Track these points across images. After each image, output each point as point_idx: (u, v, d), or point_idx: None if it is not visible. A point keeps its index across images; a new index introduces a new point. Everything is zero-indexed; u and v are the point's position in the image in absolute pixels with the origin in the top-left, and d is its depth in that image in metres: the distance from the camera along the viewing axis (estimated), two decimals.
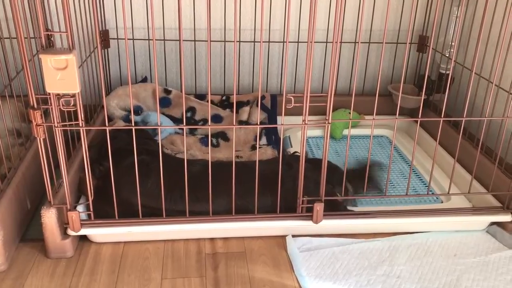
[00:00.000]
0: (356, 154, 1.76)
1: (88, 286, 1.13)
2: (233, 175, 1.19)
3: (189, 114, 1.80)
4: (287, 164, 1.32)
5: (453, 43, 1.72)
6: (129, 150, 1.16)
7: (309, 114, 1.15)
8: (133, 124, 1.15)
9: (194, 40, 1.87)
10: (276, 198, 1.23)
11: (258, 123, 1.26)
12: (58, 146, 1.10)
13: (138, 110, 1.77)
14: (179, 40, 1.06)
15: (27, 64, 1.03)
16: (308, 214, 1.25)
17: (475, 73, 1.25)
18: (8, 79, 1.30)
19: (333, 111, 1.17)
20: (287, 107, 1.11)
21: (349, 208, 1.38)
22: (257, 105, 1.77)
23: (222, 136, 1.74)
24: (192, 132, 1.78)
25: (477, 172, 1.36)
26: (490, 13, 1.46)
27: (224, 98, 1.89)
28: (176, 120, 1.79)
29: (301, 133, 1.19)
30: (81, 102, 1.06)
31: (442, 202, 1.46)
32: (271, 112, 1.82)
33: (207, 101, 1.82)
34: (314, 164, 1.31)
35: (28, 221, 1.31)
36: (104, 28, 1.80)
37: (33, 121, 1.06)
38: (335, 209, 1.30)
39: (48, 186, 1.15)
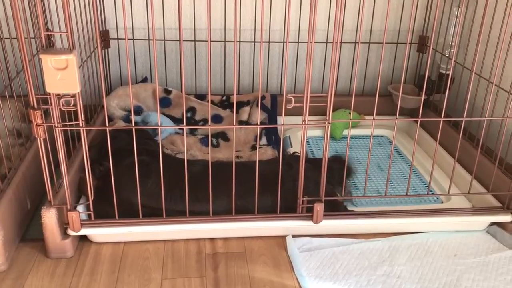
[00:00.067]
0: (356, 154, 1.76)
1: (88, 286, 1.13)
2: (233, 175, 1.19)
3: (189, 114, 1.80)
4: (287, 164, 1.32)
5: (453, 43, 1.72)
6: (129, 150, 1.16)
7: (309, 114, 1.15)
8: (133, 124, 1.15)
9: (194, 40, 1.87)
10: (276, 198, 1.23)
11: (258, 123, 1.26)
12: (58, 146, 1.10)
13: (138, 110, 1.77)
14: (179, 40, 1.06)
15: (27, 64, 1.03)
16: (308, 214, 1.25)
17: (475, 73, 1.25)
18: (8, 79, 1.30)
19: (333, 111, 1.17)
20: (287, 107, 1.11)
21: (349, 207, 1.38)
22: (257, 105, 1.77)
23: (222, 136, 1.74)
24: (192, 132, 1.78)
25: (477, 172, 1.36)
26: (490, 13, 1.46)
27: (224, 98, 1.89)
28: (176, 120, 1.79)
29: (301, 133, 1.19)
30: (81, 102, 1.06)
31: (442, 202, 1.46)
32: (271, 112, 1.82)
33: (207, 101, 1.82)
34: (314, 164, 1.31)
35: (28, 221, 1.31)
36: (104, 28, 1.80)
37: (33, 121, 1.06)
38: (335, 209, 1.30)
39: (48, 186, 1.15)
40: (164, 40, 1.86)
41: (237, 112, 1.79)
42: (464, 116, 1.28)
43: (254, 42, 1.91)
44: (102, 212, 1.21)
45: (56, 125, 1.08)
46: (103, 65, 1.83)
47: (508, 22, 1.28)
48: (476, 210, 1.35)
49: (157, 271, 1.18)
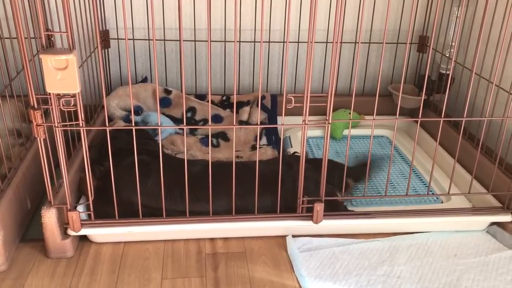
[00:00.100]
0: (357, 154, 1.76)
1: (88, 286, 1.13)
2: (233, 175, 1.19)
3: (189, 114, 1.80)
4: (287, 164, 1.32)
5: (453, 43, 1.72)
6: (129, 150, 1.16)
7: (309, 114, 1.15)
8: (133, 124, 1.15)
9: (195, 40, 1.87)
10: (276, 198, 1.23)
11: (259, 123, 1.26)
12: (58, 146, 1.10)
13: (138, 110, 1.77)
14: (180, 40, 1.06)
15: (27, 64, 1.03)
16: (308, 214, 1.25)
17: (475, 73, 1.25)
18: (8, 79, 1.30)
19: (333, 111, 1.17)
20: (287, 107, 1.11)
21: (349, 207, 1.38)
22: (257, 105, 1.77)
23: (222, 136, 1.74)
24: (192, 132, 1.78)
25: (477, 172, 1.36)
26: (490, 13, 1.46)
27: (224, 98, 1.89)
28: (176, 120, 1.79)
29: (301, 133, 1.19)
30: (81, 102, 1.06)
31: (442, 202, 1.46)
32: (271, 112, 1.82)
33: (207, 101, 1.82)
34: (314, 164, 1.31)
35: (28, 221, 1.31)
36: (104, 28, 1.80)
37: (34, 121, 1.06)
38: (335, 209, 1.30)
39: (48, 186, 1.15)
40: (164, 40, 1.86)
41: (237, 112, 1.79)
42: (464, 116, 1.28)
43: (254, 42, 1.91)
44: (102, 212, 1.21)
45: (56, 125, 1.08)
46: (103, 65, 1.83)
47: (508, 22, 1.28)
48: (476, 210, 1.35)
49: (157, 271, 1.18)
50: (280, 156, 1.26)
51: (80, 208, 1.22)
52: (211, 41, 1.85)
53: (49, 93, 1.04)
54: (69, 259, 1.21)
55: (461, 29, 1.69)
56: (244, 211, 1.26)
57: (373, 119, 1.21)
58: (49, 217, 1.15)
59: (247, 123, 1.77)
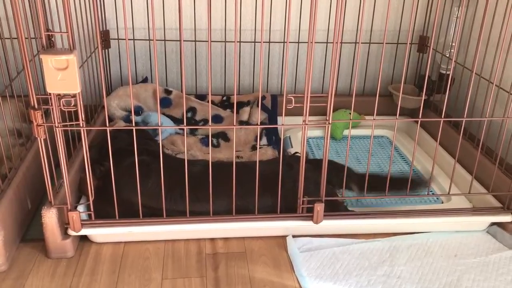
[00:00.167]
0: (357, 154, 1.76)
1: (89, 286, 1.13)
2: (233, 175, 1.19)
3: (189, 115, 1.81)
4: (288, 164, 1.32)
5: (453, 44, 1.72)
6: (130, 150, 1.16)
7: (309, 115, 1.15)
8: (133, 125, 1.15)
9: (195, 41, 1.87)
10: (277, 198, 1.23)
11: (259, 124, 1.26)
12: (58, 146, 1.10)
13: (138, 111, 1.77)
14: (180, 41, 1.06)
15: (27, 64, 1.03)
16: (308, 214, 1.25)
17: (475, 73, 1.25)
18: (9, 79, 1.30)
19: (333, 111, 1.17)
20: (287, 107, 1.11)
21: (349, 208, 1.38)
22: (258, 106, 1.77)
23: (223, 136, 1.74)
24: (192, 132, 1.78)
25: (478, 172, 1.36)
26: (491, 13, 1.46)
27: (224, 98, 1.89)
28: (177, 121, 1.79)
29: (301, 134, 1.19)
30: (81, 102, 1.06)
31: (442, 203, 1.46)
32: (272, 113, 1.82)
33: (208, 101, 1.82)
34: (314, 164, 1.31)
35: (28, 221, 1.31)
36: (104, 29, 1.80)
37: (34, 121, 1.06)
38: (335, 209, 1.30)
39: (48, 186, 1.15)
40: (165, 40, 1.86)
41: (237, 112, 1.79)
42: (465, 116, 1.28)
43: (255, 42, 1.91)
44: (103, 212, 1.21)
45: (57, 125, 1.08)
46: (104, 65, 1.83)
47: (509, 22, 1.28)
48: (476, 210, 1.35)
49: (157, 271, 1.18)
50: (280, 156, 1.26)
51: (81, 208, 1.22)
52: (211, 41, 1.85)
53: (50, 93, 1.04)
54: (69, 259, 1.21)
55: (461, 29, 1.69)
56: (245, 211, 1.26)
57: (373, 119, 1.21)
58: (50, 217, 1.15)
59: (247, 123, 1.77)
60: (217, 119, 1.81)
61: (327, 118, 1.17)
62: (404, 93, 1.80)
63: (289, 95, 1.12)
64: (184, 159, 1.17)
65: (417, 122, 1.33)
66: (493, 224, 1.36)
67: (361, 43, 1.93)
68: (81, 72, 1.23)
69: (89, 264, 1.20)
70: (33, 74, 1.09)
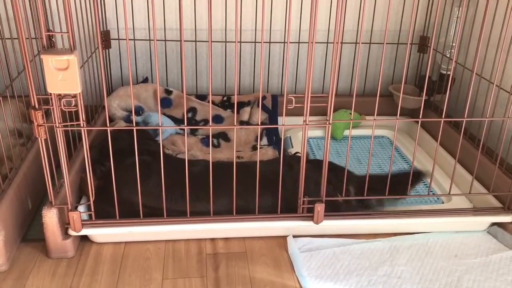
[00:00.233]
0: (357, 154, 1.76)
1: (89, 286, 1.13)
2: (234, 175, 1.19)
3: (190, 115, 1.81)
4: (288, 164, 1.32)
5: (454, 44, 1.72)
6: (130, 150, 1.16)
7: (310, 115, 1.15)
8: (134, 125, 1.15)
9: (195, 41, 1.87)
10: (277, 198, 1.23)
11: (259, 124, 1.26)
12: (59, 146, 1.10)
13: (139, 111, 1.77)
14: (180, 41, 1.06)
15: (28, 64, 1.03)
16: (309, 214, 1.25)
17: (476, 73, 1.25)
18: (9, 80, 1.30)
19: (334, 111, 1.17)
20: (288, 107, 1.11)
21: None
22: (258, 106, 1.77)
23: (223, 136, 1.74)
24: (193, 132, 1.78)
25: (478, 172, 1.36)
26: (491, 13, 1.46)
27: (225, 98, 1.89)
28: (177, 121, 1.79)
29: (302, 134, 1.19)
30: (82, 102, 1.06)
31: (443, 203, 1.46)
32: (272, 113, 1.82)
33: (208, 102, 1.82)
34: (315, 164, 1.31)
35: (29, 221, 1.32)
36: (105, 29, 1.80)
37: (35, 121, 1.06)
38: (336, 209, 1.30)
39: (49, 186, 1.15)
40: (165, 40, 1.86)
41: (237, 112, 1.80)
42: (465, 117, 1.28)
43: (255, 42, 1.91)
44: (103, 212, 1.22)
45: (57, 125, 1.08)
46: (104, 66, 1.83)
47: (509, 22, 1.28)
48: (477, 211, 1.35)
49: (158, 271, 1.18)
50: (280, 157, 1.26)
51: (81, 208, 1.22)
52: (211, 41, 1.85)
53: (50, 94, 1.04)
54: (70, 259, 1.21)
55: (461, 29, 1.69)
56: (245, 211, 1.26)
57: (374, 119, 1.21)
58: (50, 217, 1.16)
59: (247, 123, 1.77)
60: (217, 119, 1.81)
61: (328, 118, 1.17)
62: (405, 93, 1.80)
63: (290, 95, 1.12)
64: (185, 159, 1.17)
65: (417, 122, 1.33)
66: (493, 224, 1.36)
67: (362, 43, 1.93)
68: (81, 72, 1.24)
69: (90, 264, 1.20)
70: (34, 74, 1.09)
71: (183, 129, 1.72)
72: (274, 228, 1.30)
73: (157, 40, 1.86)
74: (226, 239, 1.30)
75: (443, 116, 1.28)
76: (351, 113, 1.53)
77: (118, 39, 1.84)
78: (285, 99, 1.12)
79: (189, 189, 1.19)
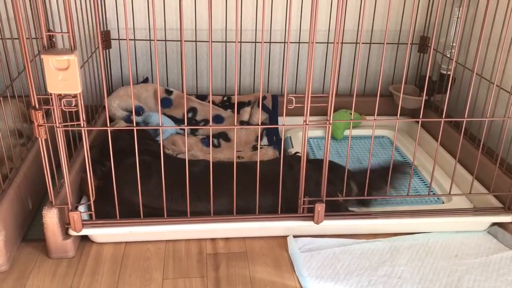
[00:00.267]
0: (358, 154, 1.76)
1: (90, 286, 1.13)
2: (234, 175, 1.19)
3: (190, 115, 1.81)
4: (288, 164, 1.32)
5: (454, 44, 1.72)
6: (131, 150, 1.16)
7: (310, 115, 1.15)
8: (134, 125, 1.15)
9: (196, 41, 1.87)
10: (277, 198, 1.23)
11: (259, 124, 1.26)
12: (59, 146, 1.11)
13: (139, 111, 1.77)
14: (181, 41, 1.06)
15: (28, 64, 1.03)
16: (309, 214, 1.25)
17: (476, 73, 1.25)
18: (10, 79, 1.30)
19: (334, 111, 1.17)
20: (288, 107, 1.11)
21: (350, 208, 1.38)
22: (258, 106, 1.77)
23: (223, 136, 1.74)
24: (193, 132, 1.78)
25: (478, 172, 1.36)
26: (491, 13, 1.46)
27: (225, 98, 1.89)
28: (178, 121, 1.79)
29: (302, 134, 1.19)
30: (82, 102, 1.06)
31: (443, 203, 1.46)
32: (272, 113, 1.82)
33: (208, 102, 1.82)
34: (315, 164, 1.31)
35: (29, 221, 1.32)
36: (105, 29, 1.80)
37: (35, 121, 1.06)
38: (336, 209, 1.30)
39: (49, 186, 1.15)
40: (165, 40, 1.86)
41: (238, 112, 1.80)
42: (465, 117, 1.27)
43: (255, 42, 1.91)
44: (104, 212, 1.22)
45: (58, 126, 1.08)
46: (104, 66, 1.83)
47: (509, 22, 1.28)
48: (477, 211, 1.35)
49: (158, 271, 1.18)
50: (281, 157, 1.26)
51: (82, 208, 1.23)
52: (212, 41, 1.85)
53: (51, 94, 1.04)
54: (70, 259, 1.21)
55: (462, 29, 1.69)
56: (245, 211, 1.26)
57: (374, 119, 1.21)
58: (51, 217, 1.16)
59: (248, 123, 1.77)
60: (218, 119, 1.81)
61: (328, 118, 1.17)
62: (405, 94, 1.80)
63: (290, 95, 1.12)
64: (185, 159, 1.17)
65: (418, 122, 1.33)
66: (494, 224, 1.36)
67: (362, 43, 1.93)
68: (82, 72, 1.23)
69: (90, 264, 1.20)
70: (34, 74, 1.10)
71: (184, 129, 1.72)
72: (275, 228, 1.30)
73: (157, 40, 1.85)
74: (227, 239, 1.30)
75: (443, 116, 1.28)
76: (351, 113, 1.53)
77: (119, 39, 1.84)
78: (285, 99, 1.12)
79: (189, 189, 1.19)
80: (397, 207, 1.41)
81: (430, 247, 1.29)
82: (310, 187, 1.25)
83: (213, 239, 1.30)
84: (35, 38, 1.32)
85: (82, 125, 1.10)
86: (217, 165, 1.24)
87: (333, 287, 1.14)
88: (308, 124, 1.16)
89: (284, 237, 1.30)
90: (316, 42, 1.87)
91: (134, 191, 1.19)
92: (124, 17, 1.06)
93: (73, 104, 1.05)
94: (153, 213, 1.23)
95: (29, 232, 1.29)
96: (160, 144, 1.28)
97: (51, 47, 1.03)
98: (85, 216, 1.22)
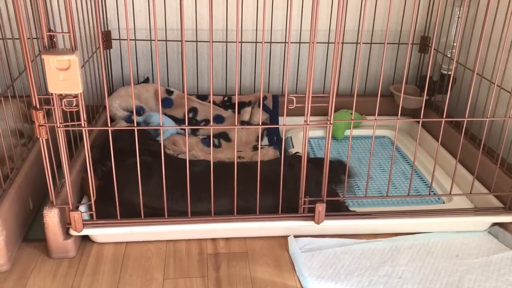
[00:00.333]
0: (358, 155, 1.76)
1: (90, 286, 1.13)
2: (235, 175, 1.19)
3: (191, 115, 1.81)
4: (289, 164, 1.32)
5: (455, 44, 1.72)
6: (131, 150, 1.16)
7: (311, 115, 1.15)
8: (135, 125, 1.15)
9: (196, 41, 1.87)
10: (278, 198, 1.23)
11: (260, 124, 1.26)
12: (60, 146, 1.11)
13: (140, 111, 1.77)
14: (181, 41, 1.06)
15: (29, 64, 1.03)
16: (310, 214, 1.25)
17: (477, 73, 1.25)
18: (10, 80, 1.30)
19: (334, 111, 1.17)
20: (289, 107, 1.11)
21: (351, 208, 1.38)
22: (259, 106, 1.77)
23: (224, 136, 1.74)
24: (194, 132, 1.78)
25: (479, 172, 1.36)
26: (492, 13, 1.46)
27: (226, 98, 1.89)
28: (178, 121, 1.79)
29: (303, 134, 1.19)
30: (83, 102, 1.06)
31: (444, 203, 1.46)
32: (273, 113, 1.82)
33: (209, 102, 1.82)
34: (315, 163, 1.31)
35: (30, 221, 1.32)
36: (106, 29, 1.81)
37: (36, 121, 1.06)
38: (337, 209, 1.30)
39: (50, 186, 1.15)
40: (166, 40, 1.86)
41: (238, 112, 1.80)
42: (466, 117, 1.27)
43: (256, 42, 1.91)
44: (104, 212, 1.22)
45: (58, 125, 1.08)
46: (105, 66, 1.83)
47: (510, 22, 1.28)
48: (478, 211, 1.35)
49: (159, 271, 1.18)
50: (281, 157, 1.26)
51: (82, 208, 1.23)
52: (212, 41, 1.85)
53: (51, 94, 1.04)
54: (71, 259, 1.21)
55: (462, 29, 1.69)
56: (246, 211, 1.26)
57: (375, 119, 1.21)
58: (51, 217, 1.16)
59: (248, 123, 1.77)
60: (218, 119, 1.81)
61: (329, 118, 1.17)
62: (406, 94, 1.80)
63: (291, 95, 1.12)
64: (186, 159, 1.17)
65: (418, 122, 1.33)
66: (494, 224, 1.36)
67: (363, 43, 1.93)
68: (82, 73, 1.24)
69: (91, 264, 1.20)
70: (35, 74, 1.10)
71: (184, 129, 1.71)
72: (275, 228, 1.30)
73: (158, 40, 1.86)
74: (227, 239, 1.30)
75: (444, 116, 1.28)
76: (352, 113, 1.52)
77: (119, 39, 1.84)
78: (286, 99, 1.12)
79: (190, 189, 1.19)
80: (398, 207, 1.41)
81: (430, 247, 1.29)
82: (310, 187, 1.25)
83: (213, 239, 1.30)
84: (36, 38, 1.32)
85: (83, 125, 1.10)
86: (217, 165, 1.24)
87: (334, 287, 1.14)
88: (308, 124, 1.16)
89: (285, 237, 1.30)
90: (316, 42, 1.86)
91: (135, 191, 1.19)
92: (125, 17, 1.06)
93: (74, 104, 1.05)
94: (154, 213, 1.24)
95: (30, 232, 1.29)
96: (160, 144, 1.28)
97: (52, 47, 1.03)
98: (86, 216, 1.22)
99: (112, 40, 1.83)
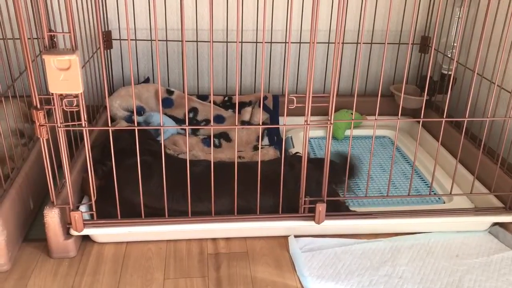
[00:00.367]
0: (359, 155, 1.76)
1: (91, 286, 1.13)
2: (235, 175, 1.19)
3: (191, 115, 1.81)
4: (289, 164, 1.32)
5: (455, 44, 1.72)
6: (132, 150, 1.16)
7: (311, 115, 1.15)
8: (135, 125, 1.16)
9: (197, 41, 1.87)
10: (278, 198, 1.23)
11: (260, 124, 1.26)
12: (61, 146, 1.11)
13: (140, 111, 1.77)
14: (182, 41, 1.06)
15: (30, 64, 1.03)
16: (310, 214, 1.25)
17: (477, 73, 1.25)
18: (11, 80, 1.30)
19: (335, 111, 1.17)
20: (289, 107, 1.11)
21: (351, 208, 1.38)
22: (259, 106, 1.77)
23: (225, 136, 1.74)
24: (194, 132, 1.78)
25: (479, 172, 1.36)
26: (492, 13, 1.46)
27: (226, 98, 1.89)
28: (179, 121, 1.79)
29: (303, 134, 1.19)
30: (84, 102, 1.06)
31: (444, 203, 1.46)
32: (273, 113, 1.83)
33: (210, 102, 1.82)
34: (315, 163, 1.31)
35: (31, 221, 1.32)
36: (106, 29, 1.81)
37: (36, 121, 1.07)
38: (337, 209, 1.30)
39: (51, 186, 1.15)
40: (167, 40, 1.86)
41: (239, 112, 1.80)
42: (466, 117, 1.27)
43: (256, 42, 1.91)
44: (105, 212, 1.22)
45: (59, 125, 1.08)
46: (106, 66, 1.83)
47: (510, 22, 1.28)
48: (478, 211, 1.35)
49: (159, 271, 1.19)
50: (282, 157, 1.26)
51: (83, 208, 1.23)
52: (213, 41, 1.85)
53: (52, 94, 1.04)
54: (71, 259, 1.21)
55: (463, 29, 1.69)
56: (246, 211, 1.26)
57: (375, 119, 1.21)
58: (52, 217, 1.16)
59: (249, 123, 1.77)
60: (219, 119, 1.81)
61: (329, 118, 1.17)
62: (406, 93, 1.80)
63: (291, 95, 1.12)
64: (186, 159, 1.18)
65: (418, 122, 1.33)
66: (495, 224, 1.36)
67: (363, 43, 1.93)
68: (83, 72, 1.24)
69: (91, 264, 1.20)
70: (36, 74, 1.10)
71: (185, 129, 1.72)
72: (276, 228, 1.30)
73: (158, 40, 1.86)
74: (228, 239, 1.31)
75: (444, 116, 1.28)
76: (352, 113, 1.52)
77: (120, 39, 1.84)
78: (286, 99, 1.12)
79: (190, 189, 1.19)
80: (398, 207, 1.41)
81: (431, 247, 1.29)
82: (311, 187, 1.25)
83: (214, 239, 1.30)
84: (37, 38, 1.32)
85: (83, 125, 1.10)
86: (218, 165, 1.25)
87: (334, 287, 1.14)
88: (309, 124, 1.16)
89: (285, 237, 1.30)
90: (317, 42, 1.87)
91: (135, 191, 1.19)
92: (125, 17, 1.06)
93: (75, 104, 1.06)
94: (154, 213, 1.24)
95: (31, 232, 1.29)
96: (161, 144, 1.28)
97: (52, 47, 1.03)
98: (86, 216, 1.22)
99: (113, 40, 1.83)
